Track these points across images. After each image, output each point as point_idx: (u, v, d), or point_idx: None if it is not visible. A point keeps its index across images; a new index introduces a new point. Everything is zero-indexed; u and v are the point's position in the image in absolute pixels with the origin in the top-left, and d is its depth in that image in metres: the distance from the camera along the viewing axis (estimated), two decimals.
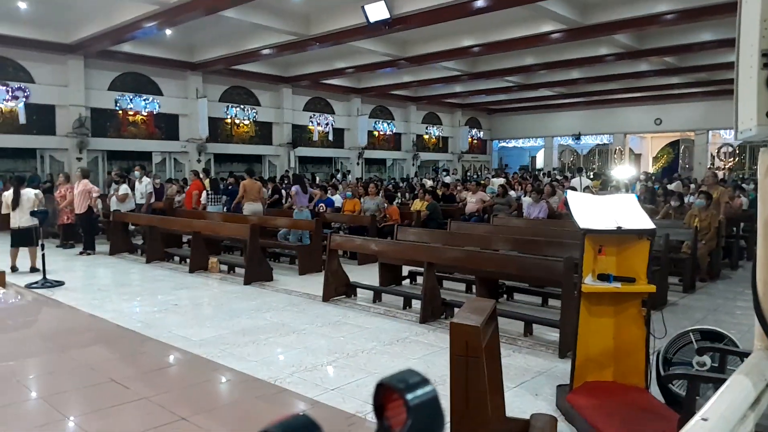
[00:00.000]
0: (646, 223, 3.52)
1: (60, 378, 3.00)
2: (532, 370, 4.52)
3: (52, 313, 4.80)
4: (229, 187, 12.53)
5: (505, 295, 6.89)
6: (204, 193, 12.10)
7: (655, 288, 3.56)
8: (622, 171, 17.44)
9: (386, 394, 0.64)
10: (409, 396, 0.62)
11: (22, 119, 16.02)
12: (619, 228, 3.47)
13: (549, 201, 11.55)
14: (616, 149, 28.07)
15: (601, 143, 29.40)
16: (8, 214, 8.74)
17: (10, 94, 15.80)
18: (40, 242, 8.11)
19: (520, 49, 16.43)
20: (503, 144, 33.45)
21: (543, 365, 4.63)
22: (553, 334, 5.27)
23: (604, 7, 13.08)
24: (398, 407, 0.61)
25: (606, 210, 3.63)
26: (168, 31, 15.27)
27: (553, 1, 12.08)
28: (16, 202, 8.54)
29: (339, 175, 22.48)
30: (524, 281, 6.74)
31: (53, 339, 3.80)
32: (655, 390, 3.55)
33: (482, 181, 16.03)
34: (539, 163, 32.00)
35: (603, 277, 3.54)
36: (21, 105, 15.98)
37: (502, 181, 14.44)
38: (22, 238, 8.56)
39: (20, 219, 8.52)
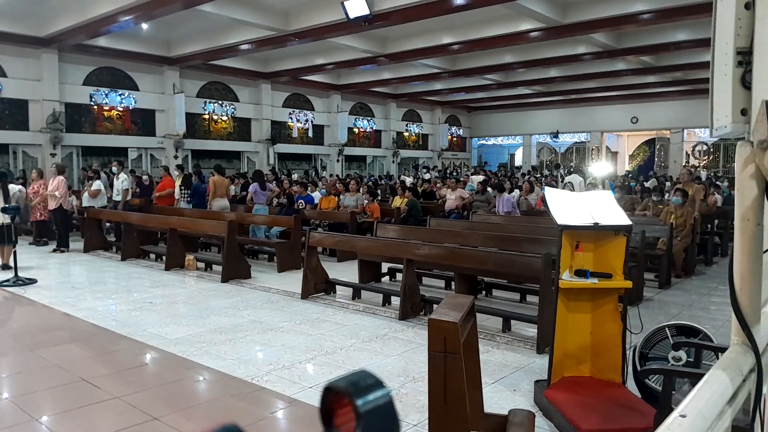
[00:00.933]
0: (622, 219, 3.54)
1: (29, 378, 2.92)
2: (510, 365, 4.54)
3: (24, 311, 4.69)
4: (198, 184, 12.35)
5: (483, 292, 6.92)
6: (177, 190, 11.94)
7: (632, 284, 3.59)
8: (599, 168, 17.64)
9: (335, 398, 0.58)
10: (360, 401, 0.56)
11: None
12: (596, 224, 3.49)
13: (528, 198, 11.65)
14: (593, 147, 28.40)
15: (578, 141, 29.72)
16: None
17: None
18: (12, 239, 7.92)
19: (500, 47, 16.52)
20: (482, 141, 33.62)
21: (521, 361, 4.65)
22: (531, 330, 5.30)
23: (582, 6, 13.21)
24: (348, 413, 0.55)
25: (583, 206, 3.65)
26: (144, 25, 15.00)
27: None
28: (6, 198, 8.30)
29: (320, 173, 22.40)
30: (503, 277, 6.77)
31: (24, 338, 3.70)
32: (631, 385, 3.59)
33: (461, 179, 16.09)
34: (518, 160, 32.23)
35: (580, 273, 3.56)
36: None
37: (481, 178, 14.49)
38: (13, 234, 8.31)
39: None
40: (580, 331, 3.64)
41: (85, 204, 10.86)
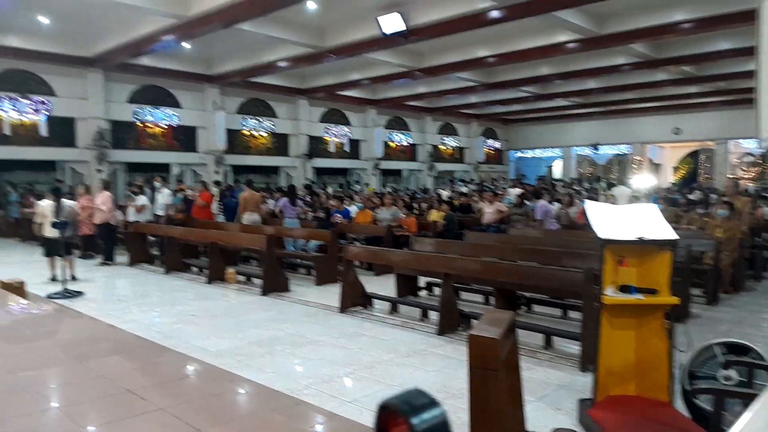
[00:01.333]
0: (668, 233, 3.45)
1: (77, 388, 3.00)
2: (552, 383, 4.44)
3: (72, 323, 4.84)
4: (232, 198, 12.66)
5: (524, 307, 6.81)
6: (215, 204, 12.23)
7: (679, 300, 3.48)
8: (641, 180, 17.23)
9: (390, 416, 0.58)
10: (415, 420, 0.56)
11: (44, 132, 16.31)
12: (640, 238, 3.40)
13: (568, 211, 11.45)
14: (634, 159, 27.80)
15: (619, 153, 29.16)
16: (37, 225, 8.87)
17: (32, 107, 16.11)
18: (65, 252, 8.20)
19: (536, 59, 16.39)
20: (520, 154, 33.32)
21: (564, 378, 4.55)
22: (574, 347, 5.19)
23: (620, 17, 13.02)
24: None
25: (626, 220, 3.57)
26: (186, 45, 15.48)
27: (569, 11, 12.04)
28: (58, 213, 8.62)
29: (356, 186, 22.53)
30: (543, 293, 6.65)
31: (72, 349, 3.82)
32: (680, 405, 3.46)
33: (498, 192, 15.95)
34: (556, 173, 31.80)
35: (624, 289, 3.47)
36: (43, 118, 16.27)
37: (519, 191, 14.34)
38: (54, 249, 8.59)
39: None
40: (625, 349, 3.54)
41: (130, 218, 11.17)
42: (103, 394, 2.88)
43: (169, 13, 11.98)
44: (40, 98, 16.25)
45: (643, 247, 3.48)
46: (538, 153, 32.68)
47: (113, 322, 5.94)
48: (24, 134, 16.09)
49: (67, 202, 8.90)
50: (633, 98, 23.32)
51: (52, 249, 8.56)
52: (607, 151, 29.47)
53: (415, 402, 0.58)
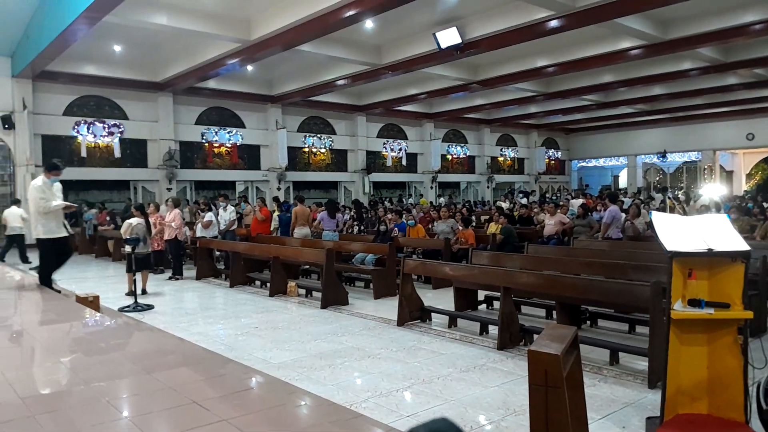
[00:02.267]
0: (739, 244, 3.28)
1: (146, 399, 3.14)
2: (619, 401, 4.28)
3: (142, 336, 5.06)
4: (286, 213, 13.03)
5: (588, 322, 6.60)
6: (276, 219, 12.59)
7: (753, 314, 3.29)
8: (711, 189, 16.42)
9: None
10: None
11: (117, 153, 17.27)
12: (709, 250, 3.25)
13: (634, 222, 11.04)
14: (705, 167, 26.55)
15: (688, 161, 27.93)
16: (116, 241, 9.35)
17: (107, 130, 17.12)
18: (139, 267, 8.60)
19: (597, 67, 16.01)
20: (583, 164, 32.47)
21: (631, 396, 4.37)
22: (642, 363, 4.98)
23: (685, 21, 12.54)
24: None
25: (695, 231, 3.42)
26: (249, 67, 16.08)
27: (631, 17, 11.71)
28: (149, 230, 9.10)
29: (409, 200, 22.55)
30: (609, 307, 6.43)
31: (141, 361, 3.99)
32: (756, 425, 3.26)
33: (561, 203, 15.58)
34: (622, 182, 30.77)
35: (694, 303, 3.32)
36: (116, 140, 17.24)
37: (581, 202, 13.96)
38: (140, 263, 9.03)
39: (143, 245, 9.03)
40: (696, 365, 3.37)
41: (198, 234, 11.61)
42: (170, 405, 2.99)
43: (233, 38, 12.50)
44: (114, 122, 17.24)
45: (714, 260, 3.31)
46: (602, 162, 31.74)
47: (181, 335, 6.17)
48: (99, 156, 17.07)
49: (136, 219, 9.35)
50: (702, 104, 22.34)
51: (129, 264, 8.99)
52: (676, 158, 28.28)
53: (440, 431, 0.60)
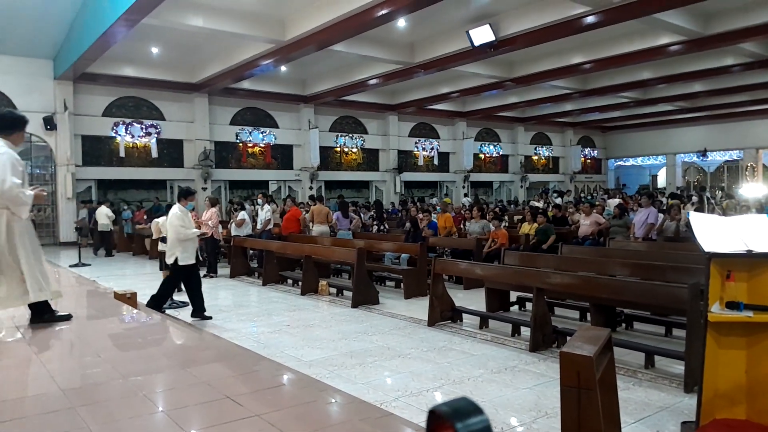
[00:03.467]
0: None
1: (181, 393, 3.21)
2: (653, 405, 4.19)
3: (177, 332, 5.17)
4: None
5: (623, 324, 6.47)
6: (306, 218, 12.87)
7: None
8: (752, 189, 15.89)
9: (437, 422, 0.63)
10: (460, 425, 0.60)
11: (155, 153, 17.68)
12: (749, 251, 3.15)
13: (675, 220, 10.78)
14: (747, 165, 25.71)
15: (730, 159, 27.10)
16: (153, 240, 9.64)
17: (144, 130, 17.54)
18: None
19: (635, 63, 15.65)
20: (620, 163, 31.83)
21: (666, 400, 4.28)
22: (678, 367, 4.86)
23: (727, 15, 12.16)
24: None
25: (734, 232, 3.32)
26: (283, 68, 16.25)
27: (671, 12, 11.42)
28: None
29: (433, 199, 22.38)
30: (645, 309, 6.30)
31: (177, 356, 4.08)
32: None
33: (596, 203, 15.30)
34: (661, 182, 30.04)
35: (732, 305, 3.22)
36: (153, 140, 17.65)
37: (617, 201, 13.68)
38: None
39: None
40: (734, 369, 3.28)
41: (232, 233, 11.80)
42: (204, 400, 3.05)
43: (267, 38, 12.65)
44: (152, 122, 17.65)
45: (753, 261, 3.22)
46: (640, 161, 31.05)
47: (215, 331, 6.29)
48: (137, 156, 17.50)
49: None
50: (744, 101, 21.66)
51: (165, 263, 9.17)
52: (717, 157, 27.47)
53: (461, 409, 0.64)
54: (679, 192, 22.97)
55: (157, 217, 10.20)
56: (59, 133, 15.79)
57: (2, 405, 2.97)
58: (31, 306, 4.61)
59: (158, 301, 7.31)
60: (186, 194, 7.54)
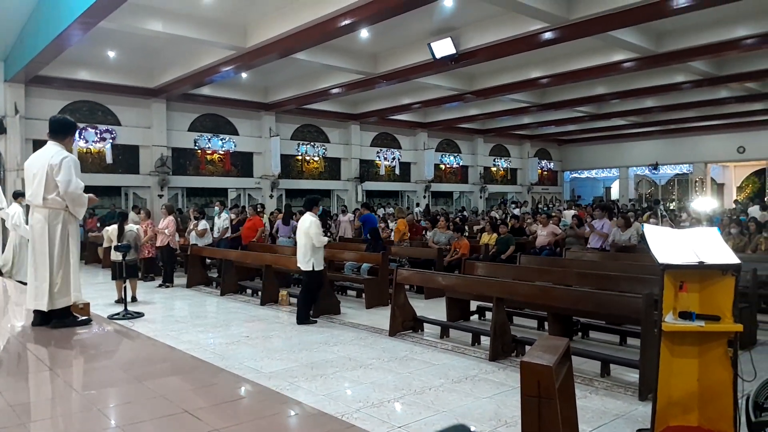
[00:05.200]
0: (730, 257, 3.30)
1: (137, 408, 3.11)
2: (610, 412, 4.29)
3: (132, 343, 5.02)
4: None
5: (580, 333, 6.62)
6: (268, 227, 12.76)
7: (742, 327, 3.32)
8: (702, 203, 16.54)
9: None
10: None
11: (109, 159, 17.17)
12: (701, 263, 3.28)
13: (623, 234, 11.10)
14: (696, 179, 26.76)
15: (680, 173, 28.15)
16: (106, 248, 9.33)
17: (99, 135, 17.04)
18: (128, 275, 8.55)
19: (591, 78, 16.11)
20: (575, 175, 32.65)
21: (622, 408, 4.38)
22: (633, 375, 5.00)
23: (678, 34, 12.66)
24: None
25: (686, 244, 3.45)
26: (244, 75, 16.08)
27: (625, 30, 11.80)
28: (121, 237, 9.03)
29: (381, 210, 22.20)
30: (600, 318, 6.46)
31: (132, 369, 3.96)
32: None
33: (553, 213, 15.64)
34: (614, 194, 30.94)
35: (685, 315, 3.34)
36: (108, 146, 17.16)
37: (573, 212, 14.02)
38: (129, 271, 8.92)
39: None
40: (687, 377, 3.39)
41: (192, 242, 11.55)
42: (161, 414, 2.97)
43: (229, 45, 12.50)
44: (107, 127, 17.16)
45: (705, 272, 3.34)
46: (594, 173, 31.93)
47: (171, 343, 6.12)
48: (91, 162, 16.98)
49: (133, 227, 9.31)
50: (694, 116, 22.55)
51: (118, 272, 8.91)
52: (668, 171, 28.49)
53: None
54: (633, 205, 23.73)
55: (110, 224, 9.93)
56: (9, 137, 15.17)
57: None
58: (55, 310, 4.73)
59: (306, 311, 7.57)
60: (315, 202, 7.98)
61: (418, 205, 24.04)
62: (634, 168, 29.48)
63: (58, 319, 4.79)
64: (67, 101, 16.48)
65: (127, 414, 3.03)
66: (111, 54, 14.56)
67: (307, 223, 7.60)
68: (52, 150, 4.77)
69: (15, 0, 11.54)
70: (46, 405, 3.14)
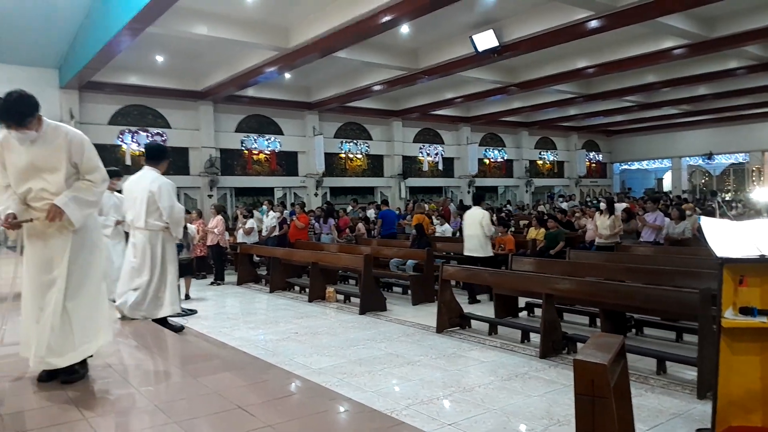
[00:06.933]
0: None
1: (192, 403, 3.20)
2: (666, 411, 4.16)
3: (186, 340, 5.17)
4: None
5: (633, 330, 6.44)
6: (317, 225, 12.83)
7: None
8: (761, 193, 15.81)
9: None
10: None
11: None
12: (762, 256, 3.13)
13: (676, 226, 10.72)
14: (753, 168, 25.61)
15: (735, 162, 27.00)
16: None
17: (150, 138, 17.56)
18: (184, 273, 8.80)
19: (640, 67, 15.60)
20: (625, 167, 31.73)
21: (679, 407, 4.24)
22: (690, 373, 4.84)
23: (731, 19, 12.12)
24: None
25: (746, 236, 3.30)
26: (287, 75, 16.28)
27: (675, 15, 11.38)
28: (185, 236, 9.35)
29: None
30: (655, 314, 6.26)
31: (186, 365, 4.08)
32: None
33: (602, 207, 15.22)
34: (666, 185, 29.94)
35: (746, 311, 3.20)
36: None
37: (624, 205, 13.63)
38: (183, 269, 9.22)
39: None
40: (748, 376, 3.25)
41: (239, 240, 11.80)
42: (216, 410, 3.05)
43: (272, 46, 12.68)
44: (157, 130, 17.69)
45: (767, 266, 3.19)
46: (645, 165, 30.96)
47: (223, 339, 6.27)
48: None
49: (189, 226, 9.58)
50: (749, 103, 21.56)
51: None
52: (723, 160, 27.37)
53: None
54: (692, 195, 22.87)
55: None
56: None
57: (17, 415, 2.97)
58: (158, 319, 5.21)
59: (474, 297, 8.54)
60: (483, 198, 9.35)
61: (450, 200, 23.53)
62: (687, 158, 28.44)
63: (163, 324, 5.26)
64: (119, 105, 17.07)
65: (184, 409, 3.12)
66: (159, 58, 14.99)
67: (480, 216, 8.64)
68: (150, 176, 5.24)
69: (67, 10, 12.00)
70: (106, 402, 3.26)
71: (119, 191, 6.55)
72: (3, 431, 2.79)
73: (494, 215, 13.23)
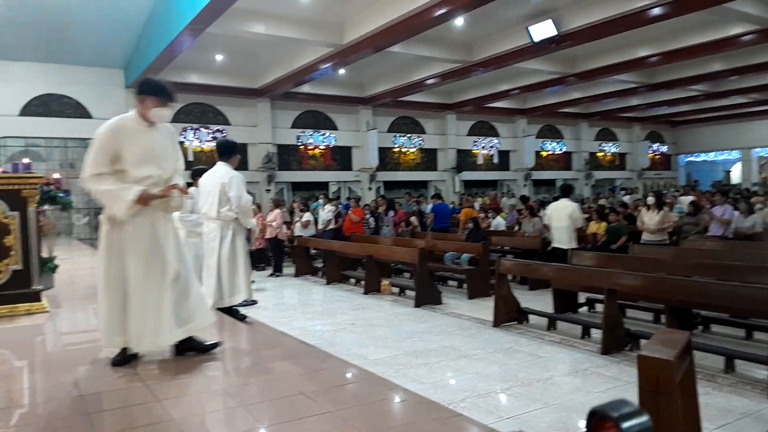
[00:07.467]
0: None
1: (256, 388, 3.32)
2: (735, 411, 4.00)
3: (247, 329, 5.34)
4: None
5: (700, 326, 6.21)
6: (372, 219, 12.91)
7: None
8: None
9: (598, 422, 0.64)
10: (625, 425, 0.62)
11: None
12: None
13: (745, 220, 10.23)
14: None
15: None
16: None
17: (211, 135, 18.15)
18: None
19: (705, 55, 14.90)
20: (691, 158, 30.40)
21: (749, 406, 4.08)
22: (761, 372, 4.64)
23: None
24: None
25: None
26: (341, 71, 16.46)
27: (743, 0, 10.82)
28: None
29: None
30: (723, 311, 6.01)
31: (250, 353, 4.23)
32: None
33: (667, 200, 14.69)
34: (735, 178, 28.52)
35: None
36: None
37: (690, 198, 13.10)
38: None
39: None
40: None
41: (297, 233, 12.06)
42: (279, 396, 3.15)
43: (326, 42, 12.85)
44: (218, 127, 18.25)
45: None
46: (711, 156, 29.57)
47: (283, 329, 6.43)
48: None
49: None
50: None
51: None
52: None
53: (624, 410, 0.67)
54: (755, 188, 21.78)
55: None
56: None
57: (28, 414, 3.16)
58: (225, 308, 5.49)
59: None
60: (572, 190, 9.72)
61: (503, 194, 23.12)
62: (758, 149, 26.98)
63: (228, 313, 5.51)
64: (181, 104, 17.68)
65: (248, 395, 3.24)
66: (218, 58, 15.45)
67: (571, 208, 8.74)
68: (222, 170, 5.49)
69: (131, 13, 12.54)
70: (179, 385, 3.42)
71: None
72: (83, 411, 2.98)
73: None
